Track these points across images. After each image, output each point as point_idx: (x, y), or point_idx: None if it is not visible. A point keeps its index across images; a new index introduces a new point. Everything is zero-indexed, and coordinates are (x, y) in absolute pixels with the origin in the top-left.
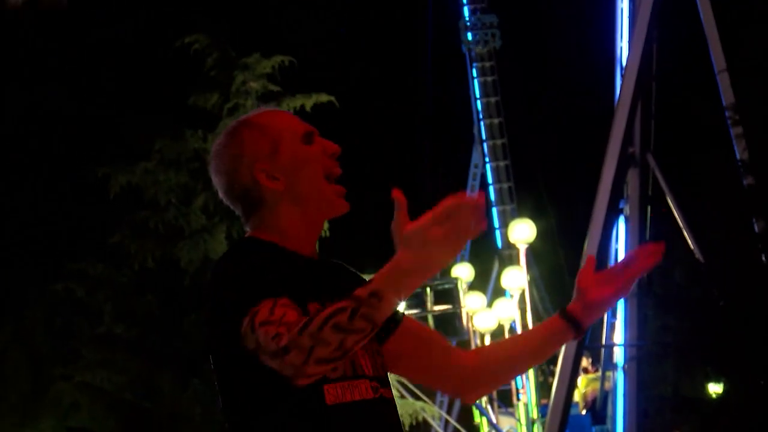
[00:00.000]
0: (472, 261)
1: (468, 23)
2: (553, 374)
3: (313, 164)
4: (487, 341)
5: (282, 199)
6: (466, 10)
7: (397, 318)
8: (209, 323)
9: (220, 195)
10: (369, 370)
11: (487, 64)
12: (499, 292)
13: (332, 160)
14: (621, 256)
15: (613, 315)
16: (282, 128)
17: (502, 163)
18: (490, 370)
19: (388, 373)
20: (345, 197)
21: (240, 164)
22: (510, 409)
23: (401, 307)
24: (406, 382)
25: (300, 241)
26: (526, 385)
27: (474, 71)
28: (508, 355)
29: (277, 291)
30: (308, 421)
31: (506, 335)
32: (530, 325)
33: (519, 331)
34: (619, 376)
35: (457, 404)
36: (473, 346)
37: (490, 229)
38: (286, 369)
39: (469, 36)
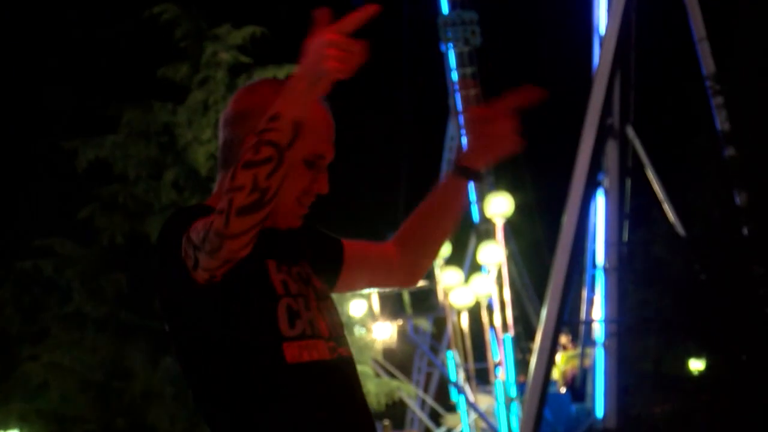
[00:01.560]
0: None
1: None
2: (531, 351)
3: (296, 184)
4: (465, 318)
5: None
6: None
7: (338, 250)
8: (158, 282)
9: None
10: (325, 330)
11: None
12: (476, 267)
13: (311, 195)
14: (600, 230)
15: (592, 290)
16: (308, 131)
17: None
18: (413, 248)
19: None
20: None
21: (245, 118)
22: (488, 388)
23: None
24: (381, 362)
25: None
26: (503, 362)
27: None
28: (418, 225)
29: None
30: (268, 378)
31: (483, 312)
32: (508, 302)
33: (497, 308)
34: (599, 353)
35: (434, 383)
36: (450, 324)
37: (467, 202)
38: (213, 242)
39: (448, 33)
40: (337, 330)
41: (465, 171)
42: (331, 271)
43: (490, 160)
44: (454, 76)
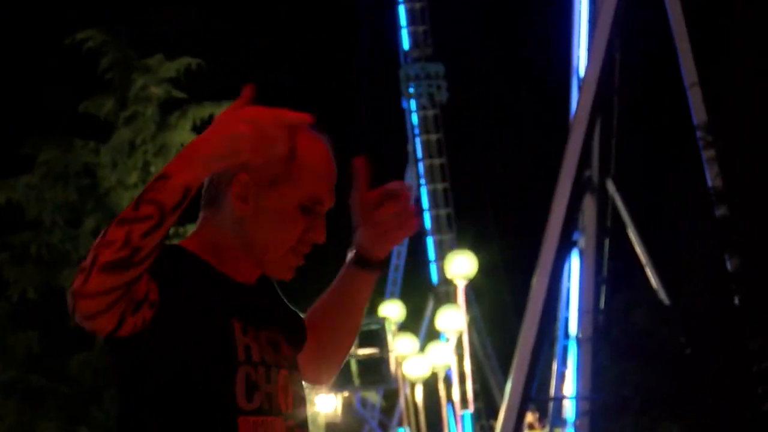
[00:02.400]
0: (403, 298)
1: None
2: (492, 430)
3: (288, 232)
4: (419, 391)
5: (237, 221)
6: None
7: (302, 328)
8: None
9: None
10: (284, 407)
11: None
12: (433, 334)
13: (306, 246)
14: (573, 296)
15: (564, 363)
16: (307, 173)
17: (440, 186)
18: (323, 343)
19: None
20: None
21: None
22: None
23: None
24: None
25: (237, 268)
26: None
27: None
28: (327, 322)
29: (224, 297)
30: None
31: (440, 385)
32: (468, 374)
33: (455, 380)
34: None
35: None
36: (402, 397)
37: (425, 262)
38: (69, 303)
39: (411, 89)
40: (298, 408)
41: (366, 263)
42: (298, 343)
43: (388, 246)
44: (415, 118)
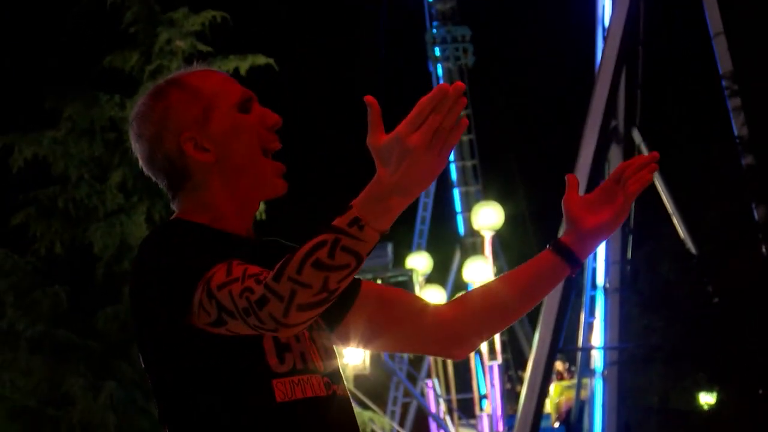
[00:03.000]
0: (429, 250)
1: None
2: (521, 381)
3: (248, 135)
4: None
5: (211, 173)
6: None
7: (354, 287)
8: (140, 313)
9: (141, 164)
10: (320, 365)
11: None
12: (460, 285)
13: (271, 132)
14: (600, 247)
15: (591, 314)
16: (216, 91)
17: (465, 138)
18: (476, 321)
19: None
20: (284, 176)
21: (165, 130)
22: (472, 421)
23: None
24: (353, 390)
25: (233, 220)
26: (490, 393)
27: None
28: (494, 301)
29: (225, 256)
30: (256, 420)
31: None
32: None
33: None
34: (598, 384)
35: (412, 415)
36: None
37: (452, 213)
38: (266, 323)
39: (437, 51)
40: (332, 364)
41: (571, 260)
42: (337, 305)
43: (596, 246)
44: (440, 69)
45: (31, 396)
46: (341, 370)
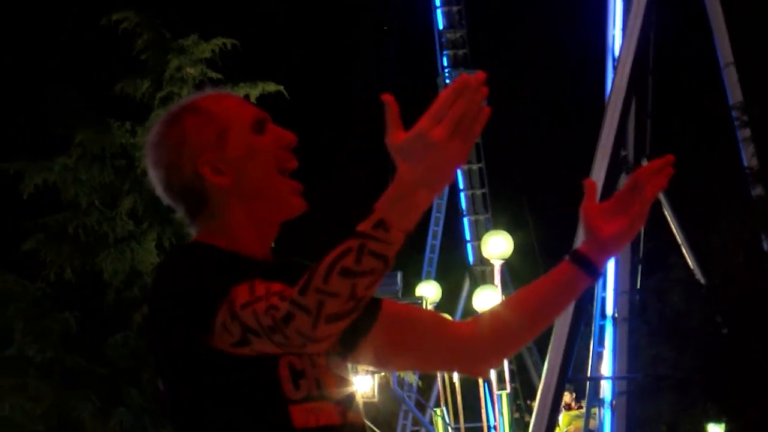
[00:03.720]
0: (439, 278)
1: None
2: (529, 410)
3: (264, 156)
4: (456, 378)
5: (229, 197)
6: (444, 59)
7: (374, 305)
8: (159, 335)
9: (158, 191)
10: (334, 392)
11: (460, 52)
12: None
13: (287, 152)
14: (610, 277)
15: (600, 343)
16: (230, 114)
17: (475, 167)
18: (495, 338)
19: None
20: (302, 195)
21: (181, 155)
22: None
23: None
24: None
25: (251, 244)
26: (499, 421)
27: (445, 58)
28: (513, 317)
29: (246, 276)
30: None
31: None
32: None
33: None
34: (606, 413)
35: None
36: (439, 378)
37: (461, 242)
38: (293, 339)
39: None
40: (346, 390)
41: (590, 270)
42: (355, 327)
43: (613, 255)
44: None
45: (40, 422)
46: (355, 399)
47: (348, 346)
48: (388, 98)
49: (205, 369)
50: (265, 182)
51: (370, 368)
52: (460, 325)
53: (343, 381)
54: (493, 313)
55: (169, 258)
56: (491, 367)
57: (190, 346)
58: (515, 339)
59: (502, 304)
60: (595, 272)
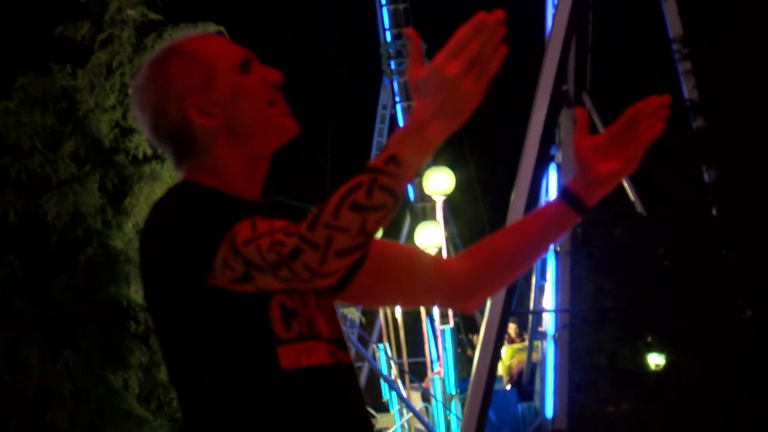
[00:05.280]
0: None
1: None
2: (471, 344)
3: (252, 95)
4: (398, 310)
5: (218, 138)
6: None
7: None
8: (154, 273)
9: (146, 135)
10: (325, 331)
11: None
12: None
13: (273, 89)
14: None
15: (543, 277)
16: (216, 55)
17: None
18: (485, 273)
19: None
20: (291, 117)
21: (167, 99)
22: (424, 384)
23: None
24: None
25: (242, 184)
26: (443, 356)
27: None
28: (504, 250)
29: (247, 213)
30: (262, 386)
31: None
32: None
33: None
34: (549, 346)
35: (363, 379)
36: (381, 316)
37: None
38: (299, 275)
39: (392, 65)
40: (337, 331)
41: (580, 207)
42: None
43: (604, 193)
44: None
45: None
46: (344, 338)
47: (338, 285)
48: (411, 33)
49: (197, 306)
50: (257, 117)
51: (355, 305)
52: (451, 261)
53: (335, 320)
54: (483, 249)
55: (165, 196)
56: (481, 302)
57: (188, 284)
58: (505, 273)
59: (492, 240)
60: (585, 209)
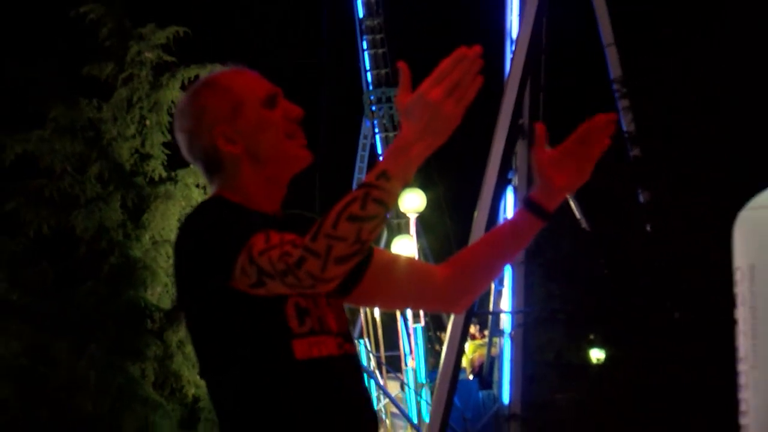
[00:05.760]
0: None
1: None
2: (439, 340)
3: (273, 127)
4: (377, 310)
5: (242, 162)
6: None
7: (367, 254)
8: (185, 278)
9: (182, 153)
10: (334, 326)
11: (377, 37)
12: None
13: (293, 123)
14: None
15: (500, 283)
16: (245, 90)
17: (392, 134)
18: (467, 280)
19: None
20: (307, 148)
21: (200, 126)
22: (399, 374)
23: None
24: None
25: (262, 201)
26: (415, 350)
27: (364, 43)
28: (482, 258)
29: (261, 227)
30: (279, 374)
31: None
32: None
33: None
34: (506, 343)
35: None
36: (361, 315)
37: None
38: (303, 281)
39: (374, 108)
40: (344, 326)
41: (543, 214)
42: (352, 272)
43: (562, 199)
44: (369, 76)
45: (22, 356)
46: (350, 330)
47: (345, 289)
48: (402, 65)
49: (223, 307)
50: (275, 148)
51: (360, 306)
52: (440, 269)
53: (342, 317)
54: (464, 259)
55: (196, 210)
56: (467, 304)
57: (214, 287)
58: (485, 278)
59: (471, 250)
60: (547, 216)
